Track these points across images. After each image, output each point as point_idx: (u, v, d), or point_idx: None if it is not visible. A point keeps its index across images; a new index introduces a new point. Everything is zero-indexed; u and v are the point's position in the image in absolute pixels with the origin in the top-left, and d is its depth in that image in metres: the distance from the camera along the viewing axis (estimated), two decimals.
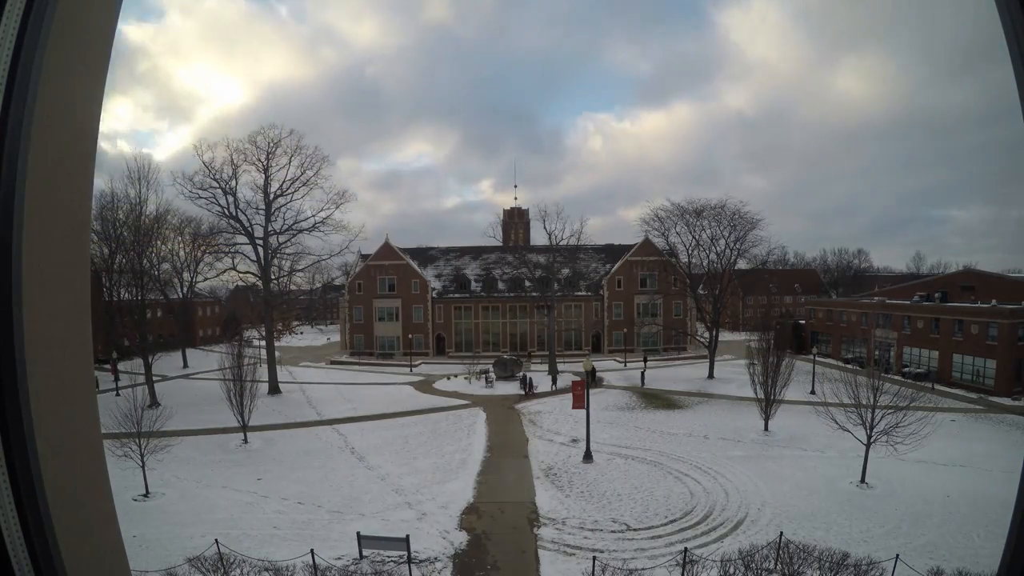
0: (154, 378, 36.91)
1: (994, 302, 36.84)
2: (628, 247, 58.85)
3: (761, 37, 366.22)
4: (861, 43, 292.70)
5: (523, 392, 36.98)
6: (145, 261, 40.20)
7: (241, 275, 42.18)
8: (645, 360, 45.62)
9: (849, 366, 42.38)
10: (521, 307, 56.67)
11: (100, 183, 39.70)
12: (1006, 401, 33.23)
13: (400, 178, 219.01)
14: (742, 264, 49.33)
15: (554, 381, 40.25)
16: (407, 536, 14.25)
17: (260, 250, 38.78)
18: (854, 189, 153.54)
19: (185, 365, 51.36)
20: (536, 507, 17.81)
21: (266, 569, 12.99)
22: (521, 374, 40.78)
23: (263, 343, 41.38)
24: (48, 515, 1.30)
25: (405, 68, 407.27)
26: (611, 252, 60.44)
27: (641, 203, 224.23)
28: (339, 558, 14.32)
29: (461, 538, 15.74)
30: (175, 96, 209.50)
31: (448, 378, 43.06)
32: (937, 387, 34.69)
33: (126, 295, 40.28)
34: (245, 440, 26.03)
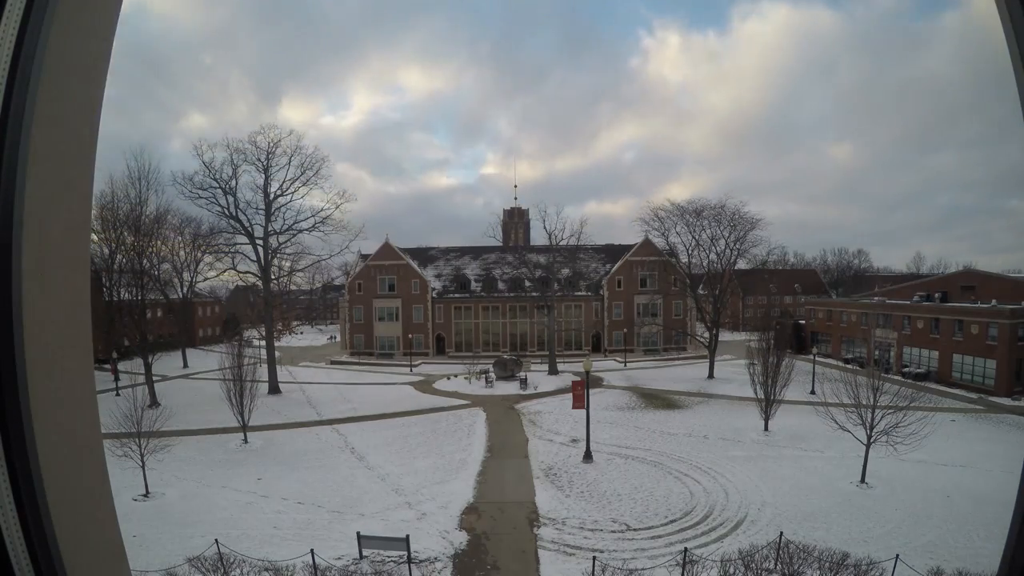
0: (154, 378, 36.89)
1: (994, 302, 36.83)
2: (628, 247, 58.86)
3: None
4: None
5: (523, 391, 37.20)
6: (145, 261, 40.23)
7: (241, 275, 42.20)
8: (625, 357, 48.84)
9: (849, 366, 42.39)
10: (521, 307, 56.67)
11: (100, 183, 39.69)
12: (1006, 401, 33.23)
13: (377, 135, 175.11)
14: (742, 264, 49.44)
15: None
16: (407, 536, 14.25)
17: (260, 250, 38.80)
18: (952, 163, 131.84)
19: (185, 365, 51.36)
20: (536, 507, 17.81)
21: (266, 569, 12.99)
22: (521, 374, 40.83)
23: (263, 343, 41.40)
24: (48, 515, 1.30)
25: None
26: (611, 252, 60.45)
27: (684, 176, 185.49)
28: (339, 558, 14.32)
29: (461, 538, 15.74)
30: None
31: (448, 378, 43.06)
32: (934, 386, 34.66)
33: (126, 295, 40.26)
34: (245, 440, 26.03)
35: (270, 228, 38.76)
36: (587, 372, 24.80)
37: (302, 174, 38.89)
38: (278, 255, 40.04)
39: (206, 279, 55.21)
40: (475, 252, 61.72)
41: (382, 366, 52.30)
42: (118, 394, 32.34)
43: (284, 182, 38.75)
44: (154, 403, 32.18)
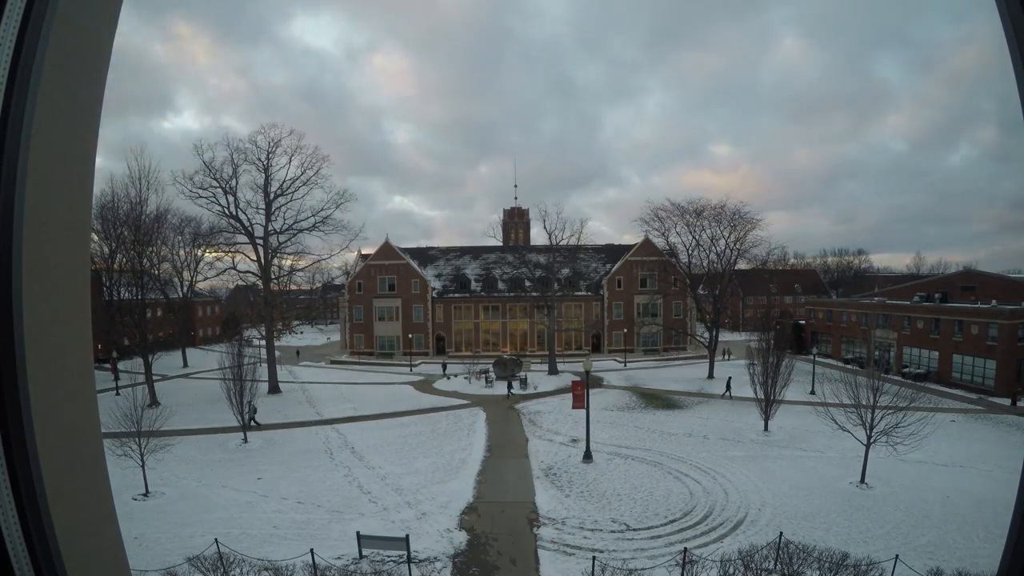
0: (154, 377, 36.93)
1: (994, 302, 36.83)
2: (628, 247, 58.90)
3: None
4: None
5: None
6: (145, 261, 40.24)
7: (241, 275, 42.22)
8: (625, 357, 49.29)
9: (849, 366, 42.41)
10: (521, 307, 56.69)
11: (100, 183, 39.74)
12: (1006, 402, 33.23)
13: None
14: (742, 264, 49.39)
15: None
16: (407, 536, 14.26)
17: (260, 250, 38.82)
18: (952, 164, 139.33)
19: (185, 365, 51.42)
20: (536, 507, 17.82)
21: (266, 568, 12.99)
22: (521, 374, 40.77)
23: (263, 342, 41.42)
24: (48, 515, 1.30)
25: None
26: (611, 252, 60.49)
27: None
28: (339, 558, 14.32)
29: (461, 538, 15.74)
30: None
31: (448, 378, 43.07)
32: (934, 386, 34.58)
33: (126, 295, 40.29)
34: (245, 440, 26.04)
35: (270, 228, 38.79)
36: (587, 372, 24.80)
37: (302, 174, 38.99)
38: (278, 255, 40.08)
39: (206, 279, 55.30)
40: (475, 252, 61.75)
41: (382, 366, 52.32)
42: (118, 393, 32.36)
43: (284, 182, 38.83)
44: (154, 402, 32.21)
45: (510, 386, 37.37)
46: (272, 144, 37.82)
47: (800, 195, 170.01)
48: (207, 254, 47.74)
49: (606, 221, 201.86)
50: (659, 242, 52.13)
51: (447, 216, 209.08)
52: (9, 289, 1.25)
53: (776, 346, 28.49)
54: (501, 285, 58.16)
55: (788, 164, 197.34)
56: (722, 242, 45.23)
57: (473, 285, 58.51)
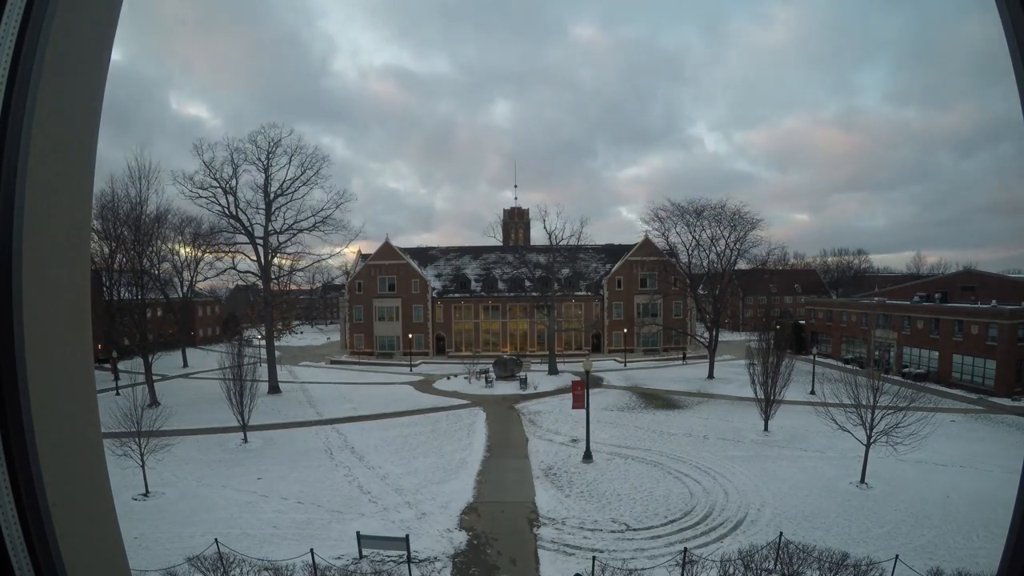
0: (154, 377, 36.92)
1: (994, 302, 36.83)
2: (628, 247, 58.90)
3: None
4: None
5: (523, 391, 37.31)
6: (145, 260, 40.25)
7: (241, 275, 42.23)
8: (625, 357, 49.21)
9: (849, 366, 42.41)
10: (521, 307, 56.70)
11: (100, 183, 39.70)
12: (1006, 402, 33.23)
13: None
14: (742, 264, 49.40)
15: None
16: (407, 536, 14.26)
17: (260, 250, 38.83)
18: (952, 164, 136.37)
19: (185, 364, 51.41)
20: (536, 507, 17.82)
21: (266, 568, 12.99)
22: (521, 374, 40.81)
23: (263, 343, 41.42)
24: (48, 515, 1.30)
25: None
26: (611, 252, 60.49)
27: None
28: (339, 558, 14.32)
29: (461, 538, 15.74)
30: None
31: (448, 378, 43.07)
32: (934, 386, 34.57)
33: (126, 295, 40.29)
34: (245, 439, 26.04)
35: (270, 227, 38.79)
36: (587, 372, 24.80)
37: (302, 173, 39.02)
38: (278, 254, 40.09)
39: (206, 279, 55.32)
40: (475, 252, 61.76)
41: (382, 366, 52.32)
42: (118, 393, 32.40)
43: (284, 181, 38.84)
44: (154, 402, 32.21)
45: (524, 382, 38.93)
46: (272, 144, 37.89)
47: (913, 166, 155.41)
48: (207, 254, 47.78)
49: (648, 204, 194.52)
50: (659, 242, 52.19)
51: (444, 197, 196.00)
52: (9, 289, 1.25)
53: (776, 346, 28.50)
54: (501, 285, 58.15)
55: (942, 111, 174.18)
56: (722, 242, 45.29)
57: (473, 285, 58.50)
